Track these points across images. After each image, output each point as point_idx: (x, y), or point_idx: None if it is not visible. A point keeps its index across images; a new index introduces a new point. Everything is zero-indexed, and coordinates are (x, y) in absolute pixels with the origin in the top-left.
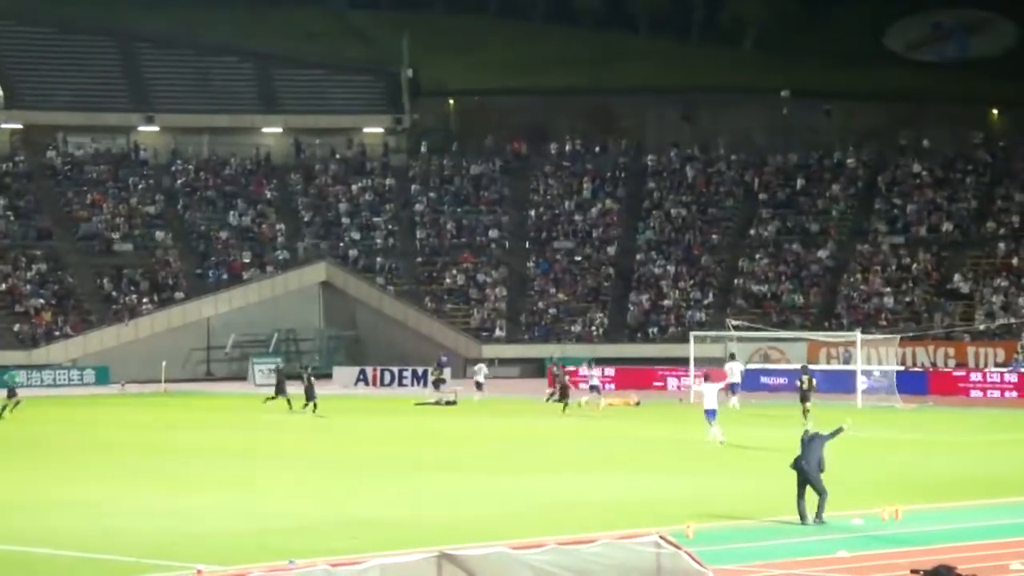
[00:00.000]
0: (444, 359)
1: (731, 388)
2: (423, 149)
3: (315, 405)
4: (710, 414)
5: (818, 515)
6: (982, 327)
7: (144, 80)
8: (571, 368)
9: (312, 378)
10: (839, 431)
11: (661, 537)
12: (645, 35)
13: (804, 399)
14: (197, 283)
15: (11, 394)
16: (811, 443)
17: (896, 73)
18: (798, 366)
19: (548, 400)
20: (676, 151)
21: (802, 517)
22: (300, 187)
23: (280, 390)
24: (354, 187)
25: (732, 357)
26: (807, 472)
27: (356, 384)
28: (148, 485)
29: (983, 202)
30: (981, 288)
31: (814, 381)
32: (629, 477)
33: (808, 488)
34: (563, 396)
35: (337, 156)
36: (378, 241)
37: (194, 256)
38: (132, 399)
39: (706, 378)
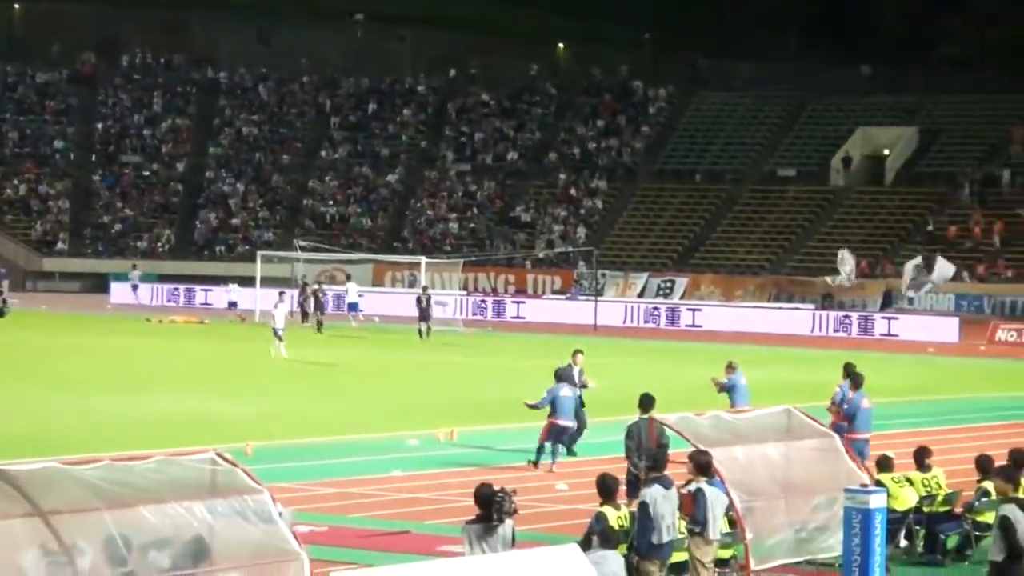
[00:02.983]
0: (2, 271)
1: (349, 307)
2: None
3: None
4: (278, 332)
5: (571, 449)
6: (541, 255)
7: None
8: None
9: None
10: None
11: (218, 454)
12: None
13: (424, 318)
14: None
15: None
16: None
17: (468, 3)
18: (419, 288)
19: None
20: (249, 69)
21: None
22: None
23: None
24: None
25: (349, 278)
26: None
27: None
28: None
29: (547, 134)
30: (542, 217)
31: (432, 301)
32: (191, 395)
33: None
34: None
35: None
36: None
37: None
38: None
39: (280, 297)
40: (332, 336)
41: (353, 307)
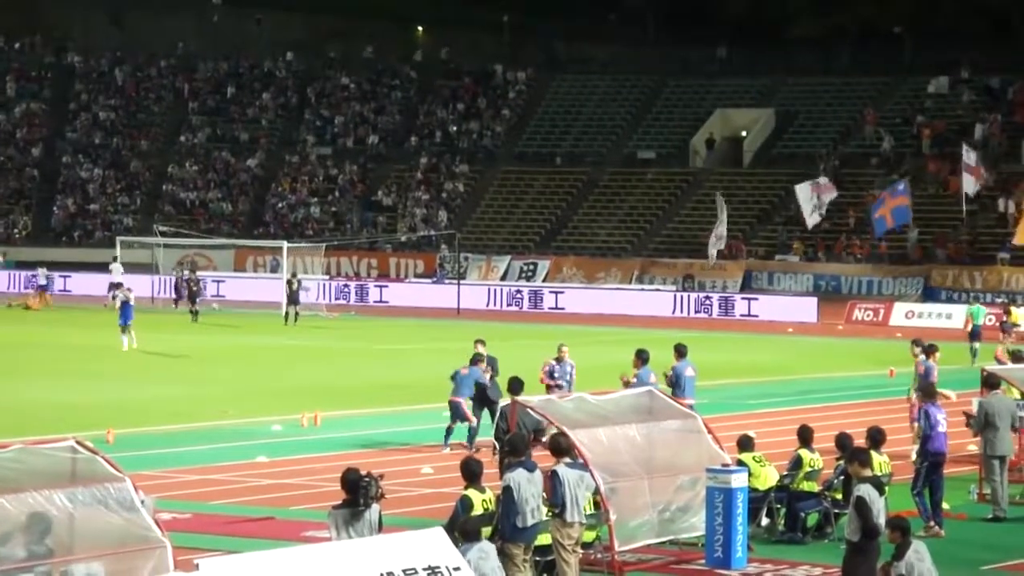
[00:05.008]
0: None
1: (112, 286)
2: None
3: None
4: (126, 317)
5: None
6: (404, 239)
7: None
8: None
9: None
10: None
11: (78, 442)
12: None
13: (293, 302)
14: None
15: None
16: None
17: None
18: (287, 273)
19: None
20: (105, 53)
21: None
22: None
23: None
24: None
25: (115, 260)
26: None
27: None
28: None
29: (407, 117)
30: (404, 201)
31: (303, 283)
32: (49, 382)
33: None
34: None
35: None
36: None
37: None
38: None
39: (112, 289)
40: (195, 323)
41: (117, 285)
